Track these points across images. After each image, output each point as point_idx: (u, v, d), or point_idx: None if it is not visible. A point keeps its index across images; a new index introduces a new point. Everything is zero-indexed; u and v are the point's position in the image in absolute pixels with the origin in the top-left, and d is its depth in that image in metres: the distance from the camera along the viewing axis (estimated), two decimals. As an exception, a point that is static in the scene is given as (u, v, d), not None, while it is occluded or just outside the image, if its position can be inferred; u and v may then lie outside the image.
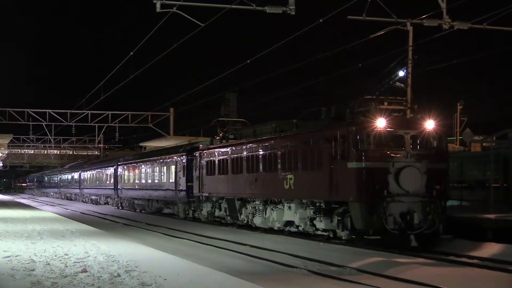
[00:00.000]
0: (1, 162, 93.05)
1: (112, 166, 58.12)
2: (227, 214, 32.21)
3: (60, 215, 41.39)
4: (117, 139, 68.66)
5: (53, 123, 61.05)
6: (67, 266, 14.78)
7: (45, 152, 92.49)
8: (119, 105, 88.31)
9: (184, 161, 38.53)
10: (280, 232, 27.11)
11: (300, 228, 25.37)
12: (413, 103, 24.55)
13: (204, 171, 34.43)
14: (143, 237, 26.78)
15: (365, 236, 21.21)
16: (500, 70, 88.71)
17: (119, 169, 55.25)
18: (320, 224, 23.69)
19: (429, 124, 22.07)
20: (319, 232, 24.13)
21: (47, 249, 18.27)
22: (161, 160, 43.78)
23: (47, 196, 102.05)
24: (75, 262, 15.51)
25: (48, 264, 15.13)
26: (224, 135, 34.28)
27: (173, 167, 40.80)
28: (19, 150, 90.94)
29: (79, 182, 74.40)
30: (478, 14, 25.90)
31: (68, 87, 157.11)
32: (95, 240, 21.27)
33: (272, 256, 19.71)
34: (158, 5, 23.40)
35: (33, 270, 14.18)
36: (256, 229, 28.85)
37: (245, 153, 29.77)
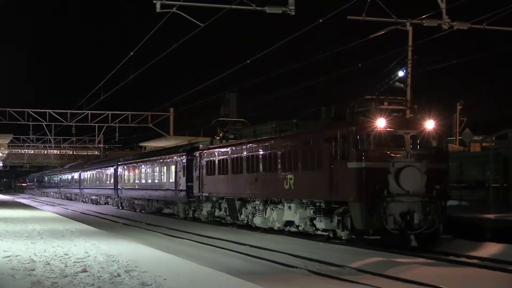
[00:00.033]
0: (1, 162, 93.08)
1: (112, 166, 58.14)
2: (227, 214, 32.23)
3: (60, 215, 41.40)
4: (117, 139, 68.71)
5: (53, 123, 61.08)
6: (67, 266, 14.79)
7: (45, 152, 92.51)
8: (119, 105, 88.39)
9: (184, 161, 38.54)
10: (280, 232, 27.11)
11: (300, 228, 25.38)
12: (413, 103, 24.55)
13: (204, 171, 34.45)
14: (143, 237, 26.79)
15: (365, 236, 21.22)
16: (499, 70, 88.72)
17: (119, 169, 55.27)
18: (320, 224, 23.69)
19: (429, 124, 22.08)
20: (319, 232, 24.14)
21: (47, 249, 18.28)
22: (161, 160, 43.80)
23: (47, 196, 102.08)
24: (75, 262, 15.52)
25: (48, 264, 15.14)
26: (224, 135, 34.29)
27: (173, 167, 40.81)
28: (19, 150, 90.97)
29: (79, 182, 74.42)
30: (478, 14, 25.92)
31: (68, 87, 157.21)
32: (95, 240, 21.28)
33: (272, 256, 19.71)
34: (158, 5, 23.41)
35: (33, 270, 14.20)
36: (256, 229, 28.86)
37: (245, 153, 29.78)
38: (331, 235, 23.53)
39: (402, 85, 32.11)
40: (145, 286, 12.23)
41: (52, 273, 13.79)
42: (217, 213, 33.45)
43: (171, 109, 60.57)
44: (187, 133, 61.82)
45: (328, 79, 39.57)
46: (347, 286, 14.92)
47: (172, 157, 41.17)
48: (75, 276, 13.33)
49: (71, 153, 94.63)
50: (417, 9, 29.43)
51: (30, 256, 16.48)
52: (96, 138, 72.03)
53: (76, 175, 77.12)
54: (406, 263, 18.05)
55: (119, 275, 13.41)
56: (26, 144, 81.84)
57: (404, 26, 28.68)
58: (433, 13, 26.25)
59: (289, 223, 26.39)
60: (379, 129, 21.54)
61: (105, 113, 59.57)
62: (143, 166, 48.49)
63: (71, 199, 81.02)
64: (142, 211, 49.41)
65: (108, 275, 13.38)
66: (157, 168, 44.64)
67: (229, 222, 32.13)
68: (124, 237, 24.30)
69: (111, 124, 60.70)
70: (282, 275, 16.49)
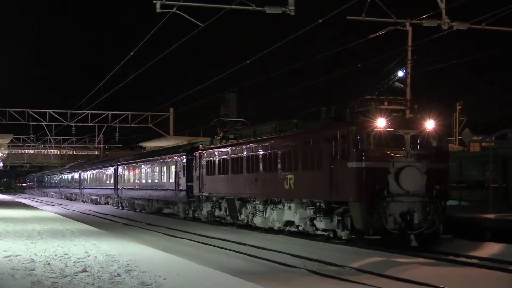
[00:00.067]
0: (1, 162, 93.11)
1: (112, 166, 58.16)
2: (227, 214, 32.24)
3: (60, 215, 41.42)
4: (117, 139, 68.75)
5: (53, 123, 61.11)
6: (67, 266, 14.80)
7: (45, 152, 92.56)
8: (119, 105, 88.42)
9: (184, 161, 38.56)
10: (280, 232, 27.12)
11: (300, 228, 25.39)
12: (413, 103, 24.55)
13: (204, 171, 34.46)
14: (143, 237, 26.80)
15: (365, 236, 21.22)
16: (499, 70, 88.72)
17: (119, 169, 55.29)
18: (320, 224, 23.70)
19: (429, 124, 22.09)
20: (319, 232, 24.15)
21: (47, 248, 18.29)
22: (161, 160, 43.82)
23: (47, 196, 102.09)
24: (75, 261, 15.53)
25: (48, 263, 15.15)
26: (224, 135, 34.31)
27: (173, 167, 40.83)
28: (19, 150, 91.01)
29: (79, 182, 74.45)
30: (477, 15, 25.92)
31: (68, 87, 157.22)
32: (95, 240, 21.29)
33: (272, 256, 19.72)
34: (158, 6, 23.42)
35: (33, 269, 14.21)
36: (256, 229, 28.87)
37: (245, 153, 29.79)
38: (331, 235, 23.54)
39: (401, 85, 32.13)
40: (145, 286, 12.24)
41: (52, 273, 13.81)
42: (217, 213, 33.47)
43: (171, 109, 60.60)
44: (187, 133, 61.88)
45: (328, 79, 39.59)
46: (347, 286, 14.93)
47: (172, 157, 41.18)
48: (75, 276, 13.35)
49: (71, 153, 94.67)
50: (417, 9, 29.45)
51: (30, 256, 16.49)
52: (96, 138, 72.07)
53: (76, 175, 77.14)
54: (406, 263, 18.06)
55: (119, 275, 13.43)
56: (26, 144, 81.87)
57: (403, 26, 28.70)
58: (432, 13, 26.26)
59: (289, 223, 26.40)
60: (379, 129, 21.55)
61: (105, 113, 59.60)
62: (143, 166, 48.51)
63: (71, 199, 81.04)
64: (142, 211, 49.42)
65: (108, 275, 13.39)
66: (157, 168, 44.65)
67: (229, 222, 32.14)
68: (124, 237, 24.31)
69: (111, 124, 60.74)
70: (282, 275, 16.50)
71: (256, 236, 26.56)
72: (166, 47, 29.93)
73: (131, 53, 30.77)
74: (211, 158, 33.70)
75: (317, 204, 23.96)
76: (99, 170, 64.26)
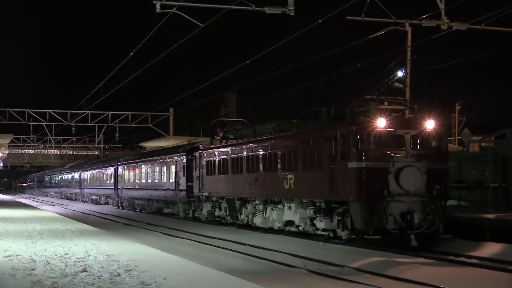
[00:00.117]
0: (1, 162, 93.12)
1: (112, 166, 58.18)
2: (227, 214, 32.25)
3: (61, 214, 41.43)
4: (117, 139, 68.78)
5: (53, 123, 61.14)
6: (67, 266, 14.81)
7: (46, 152, 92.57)
8: (119, 105, 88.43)
9: (184, 161, 38.58)
10: (280, 232, 27.13)
11: (300, 228, 25.40)
12: (413, 103, 24.57)
13: (204, 171, 34.47)
14: (143, 236, 26.81)
15: (365, 236, 21.23)
16: (498, 70, 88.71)
17: (119, 169, 55.31)
18: (320, 224, 23.72)
19: (429, 124, 22.10)
20: (319, 232, 24.16)
21: (48, 248, 18.30)
22: (161, 160, 43.83)
23: (47, 196, 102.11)
24: (75, 261, 15.54)
25: (49, 263, 15.17)
26: (224, 135, 34.32)
27: (173, 167, 40.85)
28: (20, 150, 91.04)
29: (79, 182, 74.47)
30: (477, 15, 25.94)
31: (68, 87, 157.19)
32: (95, 239, 21.31)
33: (272, 256, 19.73)
34: (158, 6, 23.44)
35: (33, 269, 14.22)
36: (256, 228, 28.88)
37: (245, 153, 29.80)
38: (331, 235, 23.55)
39: (401, 85, 32.15)
40: (145, 285, 12.25)
41: (52, 272, 13.82)
42: (217, 213, 33.48)
43: (171, 109, 60.62)
44: (187, 133, 61.89)
45: (328, 79, 39.57)
46: (347, 285, 14.94)
47: (172, 157, 41.20)
48: (75, 276, 13.36)
49: (71, 153, 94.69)
50: (416, 9, 29.47)
51: (30, 256, 16.51)
52: (96, 138, 72.11)
53: (76, 175, 77.16)
54: (406, 263, 18.06)
55: (119, 274, 13.44)
56: (27, 144, 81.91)
57: (403, 26, 28.73)
58: (432, 13, 26.28)
59: (289, 223, 26.41)
60: (379, 129, 21.56)
61: (105, 113, 59.62)
62: (143, 166, 48.53)
63: (71, 199, 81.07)
64: (142, 211, 49.44)
65: (108, 275, 13.40)
66: (157, 168, 44.67)
67: (229, 222, 32.15)
68: (124, 236, 24.33)
69: (111, 124, 60.77)
70: (282, 275, 16.51)
71: (256, 236, 26.57)
72: (166, 47, 29.97)
73: (131, 53, 30.79)
74: (211, 158, 33.72)
75: (317, 204, 23.97)
76: (99, 170, 64.28)
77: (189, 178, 37.25)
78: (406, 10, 29.14)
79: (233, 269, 16.58)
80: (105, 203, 62.30)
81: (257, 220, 28.60)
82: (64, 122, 59.73)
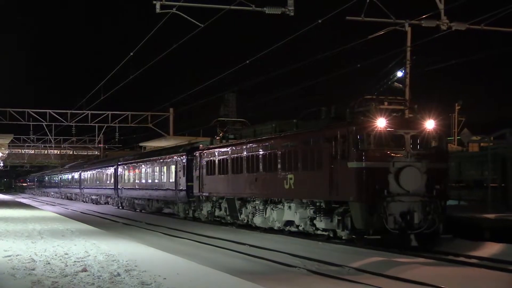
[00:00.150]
0: (1, 162, 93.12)
1: (112, 166, 58.19)
2: (227, 213, 32.26)
3: (61, 214, 41.44)
4: (117, 139, 68.79)
5: (53, 123, 61.12)
6: (67, 266, 14.82)
7: (46, 152, 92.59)
8: (119, 105, 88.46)
9: (184, 161, 38.59)
10: (280, 231, 27.14)
11: (300, 228, 25.41)
12: (413, 103, 24.58)
13: (204, 171, 34.48)
14: (143, 236, 26.83)
15: (365, 236, 21.24)
16: (498, 70, 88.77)
17: (119, 169, 55.32)
18: (320, 223, 23.72)
19: (429, 124, 22.11)
20: (319, 232, 24.16)
21: (48, 248, 18.31)
22: (161, 160, 43.85)
23: (47, 196, 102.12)
24: (75, 261, 15.55)
25: (49, 263, 15.17)
26: (224, 135, 34.33)
27: (173, 167, 40.86)
28: (20, 150, 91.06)
29: (80, 182, 74.49)
30: (476, 15, 25.94)
31: (68, 87, 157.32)
32: (95, 239, 21.32)
33: (272, 256, 19.73)
34: (158, 6, 23.43)
35: (33, 269, 14.23)
36: (256, 228, 28.89)
37: (245, 153, 29.81)
38: (331, 235, 23.56)
39: (400, 85, 32.16)
40: (145, 285, 12.26)
41: (52, 272, 13.83)
42: (217, 213, 33.49)
43: (171, 109, 60.62)
44: (187, 133, 61.88)
45: (328, 79, 39.58)
46: (347, 285, 14.94)
47: (172, 157, 41.21)
48: (75, 276, 13.37)
49: (71, 153, 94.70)
50: (416, 9, 29.46)
51: (30, 256, 16.51)
52: (96, 138, 72.13)
53: (76, 175, 77.18)
54: (406, 263, 18.07)
55: (119, 274, 13.45)
56: (27, 144, 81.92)
57: (403, 26, 28.70)
58: (431, 13, 26.27)
59: (289, 223, 26.41)
60: (379, 129, 21.56)
61: (105, 113, 59.62)
62: (143, 166, 48.54)
63: (71, 199, 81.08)
64: (142, 211, 49.45)
65: (108, 275, 13.41)
66: (157, 168, 44.68)
67: (229, 222, 32.16)
68: (124, 236, 24.34)
69: (111, 124, 60.76)
70: (281, 275, 16.51)
71: (256, 236, 26.58)
72: (166, 47, 29.96)
73: (131, 53, 30.78)
74: (211, 158, 33.73)
75: (317, 204, 23.98)
76: (99, 170, 64.29)
77: (189, 178, 37.26)
78: (405, 10, 29.15)
79: (233, 269, 16.58)
80: (105, 203, 62.31)
81: (257, 220, 28.61)
82: (64, 122, 59.74)
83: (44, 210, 48.82)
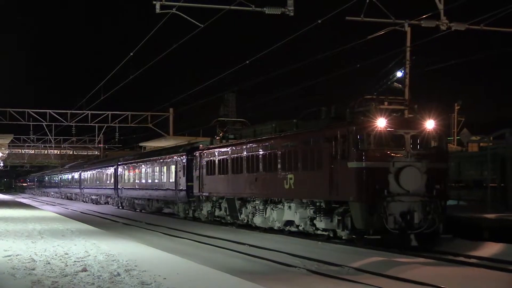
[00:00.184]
0: (1, 162, 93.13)
1: (112, 166, 58.20)
2: (227, 213, 32.27)
3: (61, 214, 41.45)
4: (117, 139, 68.83)
5: (53, 123, 61.16)
6: (67, 265, 14.83)
7: (46, 152, 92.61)
8: (119, 105, 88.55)
9: (184, 161, 38.60)
10: (280, 231, 27.15)
11: (300, 228, 25.41)
12: (413, 103, 24.58)
13: (204, 171, 34.49)
14: (143, 236, 26.83)
15: (365, 236, 21.24)
16: (497, 70, 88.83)
17: (119, 169, 55.33)
18: (320, 223, 23.73)
19: (429, 124, 22.11)
20: (319, 232, 24.17)
21: (48, 248, 18.32)
22: (161, 160, 43.85)
23: (47, 196, 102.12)
24: (75, 261, 15.56)
25: (49, 263, 15.18)
26: (224, 135, 34.34)
27: (173, 167, 40.87)
28: (20, 150, 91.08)
29: (80, 182, 74.50)
30: (476, 15, 25.95)
31: (68, 87, 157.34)
32: (95, 239, 21.33)
33: (271, 256, 19.74)
34: (157, 6, 23.44)
35: (33, 269, 14.23)
36: (256, 228, 28.89)
37: (245, 153, 29.82)
38: (331, 235, 23.56)
39: (400, 85, 32.18)
40: (144, 285, 12.27)
41: (52, 272, 13.83)
42: (217, 212, 33.50)
43: (171, 109, 60.65)
44: (186, 133, 61.91)
45: (328, 79, 39.62)
46: (347, 285, 14.94)
47: (172, 157, 41.22)
48: (75, 275, 13.37)
49: (71, 153, 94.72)
50: (415, 10, 29.46)
51: (30, 256, 16.52)
52: (96, 138, 72.18)
53: (76, 175, 77.19)
54: (406, 263, 18.08)
55: (119, 274, 13.45)
56: (27, 144, 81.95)
57: (402, 26, 28.71)
58: (431, 14, 26.27)
59: (289, 222, 26.42)
60: (379, 129, 21.57)
61: (105, 113, 59.65)
62: (143, 166, 48.55)
63: (71, 199, 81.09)
64: (142, 210, 49.46)
65: (108, 274, 13.42)
66: (157, 168, 44.69)
67: (229, 221, 32.17)
68: (124, 236, 24.35)
69: (111, 124, 60.79)
70: (281, 275, 16.52)
71: (256, 236, 26.59)
72: (166, 47, 29.97)
73: (131, 53, 30.78)
74: (211, 158, 33.74)
75: (317, 204, 23.99)
76: (99, 170, 64.30)
77: (189, 178, 37.27)
78: (405, 10, 29.16)
79: (233, 269, 16.59)
80: (105, 203, 62.32)
81: (257, 220, 28.62)
82: (64, 122, 59.76)
83: (44, 210, 48.83)
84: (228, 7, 23.70)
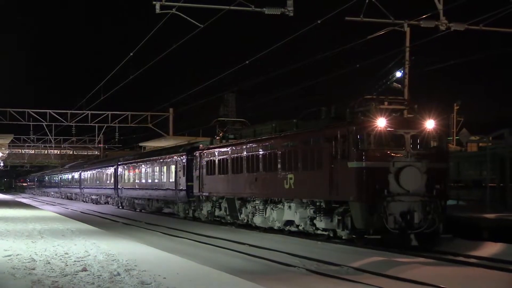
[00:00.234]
0: (1, 162, 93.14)
1: (112, 166, 58.21)
2: (227, 213, 32.27)
3: (61, 214, 41.45)
4: (117, 139, 68.86)
5: (53, 123, 61.20)
6: (67, 265, 14.83)
7: (46, 152, 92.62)
8: (119, 105, 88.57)
9: (184, 161, 38.61)
10: (280, 231, 27.15)
11: (300, 228, 25.42)
12: (413, 103, 24.59)
13: (204, 170, 34.50)
14: (143, 236, 26.84)
15: (365, 236, 21.25)
16: (497, 71, 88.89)
17: (119, 169, 55.34)
18: (320, 223, 23.74)
19: (429, 124, 22.12)
20: (319, 232, 24.18)
21: (48, 248, 18.33)
22: (161, 160, 43.86)
23: (47, 196, 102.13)
24: (75, 261, 15.56)
25: (49, 263, 15.19)
26: (224, 135, 34.35)
27: (173, 167, 40.88)
28: (20, 150, 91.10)
29: (80, 182, 74.51)
30: (475, 15, 25.96)
31: (68, 87, 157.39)
32: (95, 239, 21.33)
33: (271, 256, 19.75)
34: (157, 6, 23.46)
35: (33, 269, 14.24)
36: (255, 228, 28.90)
37: (245, 153, 29.83)
38: (331, 235, 23.57)
39: (399, 85, 32.20)
40: (144, 285, 12.27)
41: (52, 272, 13.84)
42: (217, 212, 33.51)
43: (171, 109, 60.66)
44: (186, 133, 61.92)
45: (328, 79, 39.60)
46: (347, 285, 14.95)
47: (172, 157, 41.23)
48: (75, 275, 13.37)
49: (71, 153, 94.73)
50: (415, 10, 29.49)
51: (30, 255, 16.52)
52: (96, 138, 72.22)
53: (76, 175, 77.20)
54: (406, 263, 18.08)
55: (119, 274, 13.46)
56: (27, 144, 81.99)
57: (401, 27, 28.73)
58: (430, 14, 26.29)
59: (289, 222, 26.42)
60: (379, 128, 21.58)
61: (105, 113, 59.67)
62: (143, 166, 48.56)
63: (71, 199, 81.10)
64: (142, 210, 49.47)
65: (108, 274, 13.42)
66: (157, 168, 44.70)
67: (229, 221, 32.18)
68: (124, 236, 24.36)
69: (111, 124, 60.83)
70: (281, 275, 16.52)
71: (255, 236, 26.60)
72: (166, 47, 29.98)
73: (131, 54, 30.80)
74: (211, 158, 33.75)
75: (317, 203, 23.99)
76: (99, 170, 64.32)
77: (189, 178, 37.28)
78: (404, 10, 29.18)
79: (233, 269, 16.60)
80: (105, 203, 62.33)
81: (257, 220, 28.63)
82: (64, 122, 59.78)
83: (44, 209, 48.83)
84: (228, 7, 23.72)
